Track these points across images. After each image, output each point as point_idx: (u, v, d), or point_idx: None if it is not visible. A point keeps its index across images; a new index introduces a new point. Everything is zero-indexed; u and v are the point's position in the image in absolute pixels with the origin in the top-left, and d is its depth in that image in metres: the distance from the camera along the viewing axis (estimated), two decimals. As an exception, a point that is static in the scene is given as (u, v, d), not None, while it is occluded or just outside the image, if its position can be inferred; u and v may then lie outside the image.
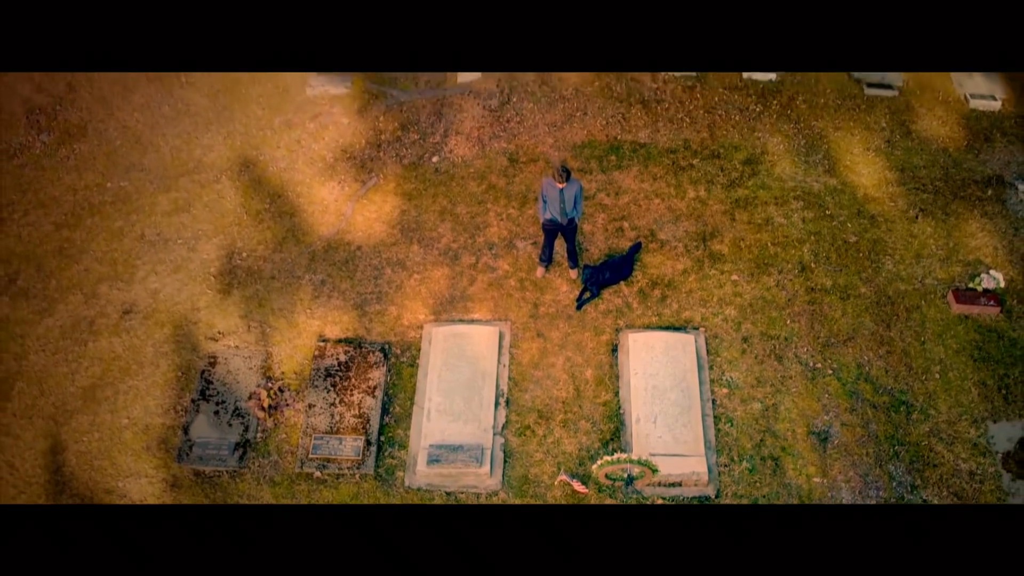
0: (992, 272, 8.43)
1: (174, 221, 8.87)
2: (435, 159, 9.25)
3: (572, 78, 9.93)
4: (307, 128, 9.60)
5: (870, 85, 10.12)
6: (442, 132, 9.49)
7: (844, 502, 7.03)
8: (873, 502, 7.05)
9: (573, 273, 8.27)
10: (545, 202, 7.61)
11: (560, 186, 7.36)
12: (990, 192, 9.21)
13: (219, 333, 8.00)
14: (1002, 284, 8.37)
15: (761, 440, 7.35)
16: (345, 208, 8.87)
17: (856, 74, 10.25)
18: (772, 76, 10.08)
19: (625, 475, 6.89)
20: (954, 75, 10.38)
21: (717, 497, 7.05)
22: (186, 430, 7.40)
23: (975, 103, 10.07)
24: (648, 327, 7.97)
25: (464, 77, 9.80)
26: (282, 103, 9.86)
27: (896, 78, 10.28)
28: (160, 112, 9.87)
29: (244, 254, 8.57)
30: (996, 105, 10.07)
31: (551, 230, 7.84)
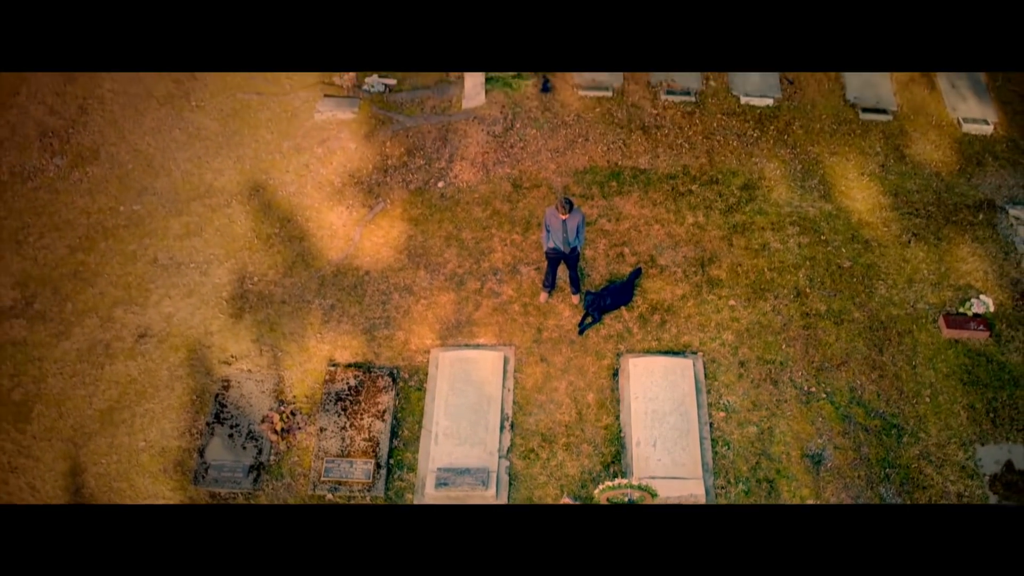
0: (982, 297, 8.68)
1: (186, 245, 9.11)
2: (440, 184, 9.50)
3: (574, 104, 10.17)
4: (315, 153, 9.83)
5: (865, 110, 10.37)
6: (447, 157, 9.73)
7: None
8: (864, 524, 7.31)
9: (575, 299, 8.52)
10: (548, 231, 7.85)
11: (563, 217, 7.61)
12: (981, 216, 9.46)
13: (232, 357, 8.25)
14: (991, 309, 8.62)
15: (757, 463, 7.61)
16: (353, 233, 9.12)
17: (851, 99, 10.49)
18: (769, 101, 10.32)
19: (626, 499, 7.15)
20: (948, 99, 10.62)
21: (714, 519, 7.31)
22: (202, 453, 7.65)
23: (968, 127, 10.31)
24: (648, 352, 8.22)
25: (469, 103, 10.03)
26: (290, 128, 10.10)
27: (890, 102, 10.53)
28: (171, 136, 10.11)
29: (255, 278, 8.81)
30: (988, 129, 10.32)
31: (554, 258, 8.09)
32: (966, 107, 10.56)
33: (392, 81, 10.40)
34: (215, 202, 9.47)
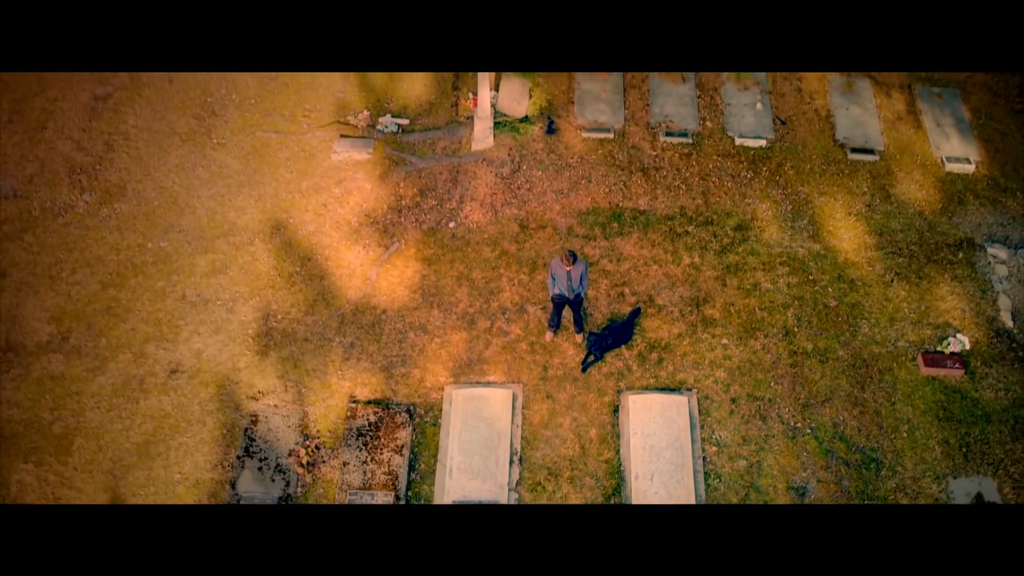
0: (959, 335, 9.29)
1: (212, 282, 9.67)
2: (452, 225, 10.05)
3: (577, 146, 10.71)
4: (333, 192, 10.37)
5: (854, 150, 10.92)
6: (458, 198, 10.28)
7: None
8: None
9: (579, 337, 9.12)
10: (555, 279, 8.44)
11: (568, 268, 8.20)
12: (961, 255, 10.05)
13: (259, 393, 8.84)
14: (967, 347, 9.24)
15: (746, 495, 8.26)
16: (370, 272, 9.68)
17: (841, 139, 11.03)
18: (763, 142, 10.86)
19: (625, 531, 7.79)
20: (932, 137, 11.16)
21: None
22: (233, 485, 8.27)
23: (951, 166, 10.87)
24: (646, 389, 8.84)
25: (478, 145, 10.56)
26: (308, 167, 10.62)
27: (878, 142, 11.08)
28: (194, 174, 10.62)
29: (279, 316, 9.38)
30: (970, 168, 10.87)
31: (560, 303, 8.68)
32: (949, 146, 11.10)
33: (405, 121, 10.91)
34: (239, 240, 10.01)
